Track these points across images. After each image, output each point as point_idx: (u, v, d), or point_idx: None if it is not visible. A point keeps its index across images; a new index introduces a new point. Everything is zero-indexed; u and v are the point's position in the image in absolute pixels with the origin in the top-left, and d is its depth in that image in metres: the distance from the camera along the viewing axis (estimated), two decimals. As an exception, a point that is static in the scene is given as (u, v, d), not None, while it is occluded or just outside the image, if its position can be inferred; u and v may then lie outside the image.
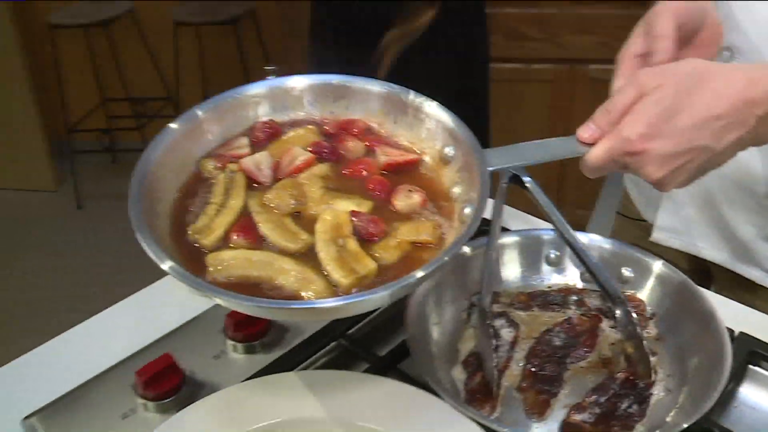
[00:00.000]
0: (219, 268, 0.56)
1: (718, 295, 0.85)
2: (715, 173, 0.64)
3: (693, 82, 0.58)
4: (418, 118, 0.70)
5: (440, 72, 1.73)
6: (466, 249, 0.80)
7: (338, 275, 0.55)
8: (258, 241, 0.59)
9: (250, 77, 2.87)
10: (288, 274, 0.56)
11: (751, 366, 0.77)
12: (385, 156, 0.67)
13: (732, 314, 0.80)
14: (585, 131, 0.62)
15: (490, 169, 0.62)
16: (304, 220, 0.61)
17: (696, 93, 0.58)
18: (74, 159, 3.01)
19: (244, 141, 0.69)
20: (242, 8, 2.82)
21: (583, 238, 0.80)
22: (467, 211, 0.61)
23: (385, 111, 0.71)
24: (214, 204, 0.62)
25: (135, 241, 0.55)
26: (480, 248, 0.80)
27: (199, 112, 0.68)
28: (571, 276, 0.83)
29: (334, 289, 0.55)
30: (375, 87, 0.71)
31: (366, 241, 0.59)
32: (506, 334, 0.76)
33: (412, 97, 0.69)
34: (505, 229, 0.85)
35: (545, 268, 0.84)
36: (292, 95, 0.71)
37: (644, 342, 0.71)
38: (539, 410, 0.69)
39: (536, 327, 0.77)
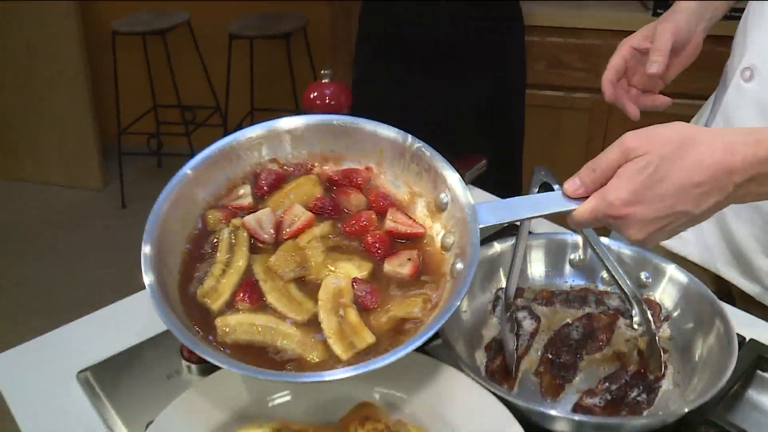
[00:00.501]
0: (227, 330, 0.60)
1: (734, 308, 0.89)
2: None
3: (676, 150, 0.60)
4: (414, 162, 0.71)
5: (476, 94, 1.79)
6: (496, 246, 0.87)
7: (339, 350, 0.58)
8: (261, 304, 0.63)
9: (297, 88, 2.99)
10: (291, 339, 0.60)
11: (759, 372, 0.81)
12: (392, 222, 0.68)
13: (745, 323, 0.85)
14: (570, 186, 0.65)
15: (481, 226, 0.64)
16: (307, 285, 0.64)
17: (678, 161, 0.60)
18: (122, 160, 3.13)
19: (247, 190, 0.71)
20: (295, 23, 2.93)
21: (606, 243, 0.85)
22: (459, 266, 0.63)
23: (384, 152, 0.72)
24: (220, 263, 0.65)
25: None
26: (508, 247, 0.86)
27: (205, 155, 0.70)
28: (592, 278, 0.89)
29: (334, 356, 0.58)
30: (375, 129, 0.72)
31: (364, 310, 0.62)
32: (528, 325, 0.82)
33: (411, 141, 0.71)
34: (531, 233, 0.91)
35: (568, 269, 0.89)
36: (294, 135, 0.73)
37: (657, 339, 0.76)
38: (553, 393, 0.74)
39: (556, 321, 0.83)
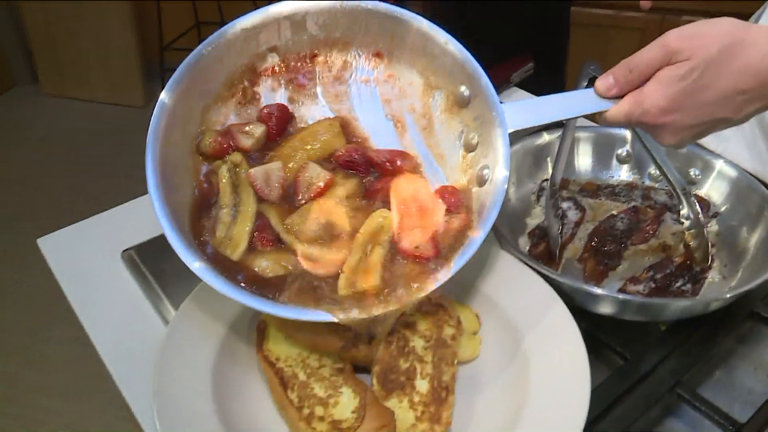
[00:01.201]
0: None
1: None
2: None
3: (722, 53, 0.56)
4: (431, 50, 0.64)
5: (516, 8, 1.74)
6: (545, 136, 0.85)
7: (341, 285, 0.56)
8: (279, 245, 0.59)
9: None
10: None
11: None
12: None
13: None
14: (603, 84, 0.61)
15: (510, 130, 0.60)
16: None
17: (724, 67, 0.56)
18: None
19: (258, 131, 0.64)
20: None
21: (656, 137, 0.83)
22: (486, 173, 0.60)
23: (395, 38, 0.66)
24: (226, 208, 0.60)
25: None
26: (556, 137, 0.84)
27: (203, 51, 0.63)
28: (639, 174, 0.87)
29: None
30: (387, 10, 0.64)
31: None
32: (572, 214, 0.81)
33: (427, 26, 0.64)
34: (579, 127, 0.89)
35: (615, 164, 0.88)
36: (294, 21, 0.65)
37: (705, 231, 0.75)
38: (597, 278, 0.74)
39: (601, 212, 0.82)
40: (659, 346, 0.66)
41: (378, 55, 0.68)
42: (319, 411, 0.55)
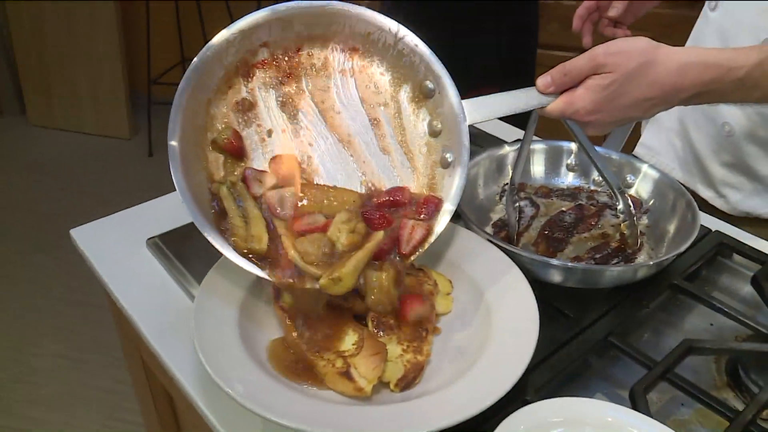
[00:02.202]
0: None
1: (705, 214, 1.05)
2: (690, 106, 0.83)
3: (637, 69, 0.73)
4: (402, 49, 0.78)
5: (489, 50, 1.93)
6: (506, 147, 1.02)
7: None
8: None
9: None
10: None
11: (720, 257, 0.96)
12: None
13: (709, 222, 1.01)
14: (542, 82, 0.78)
15: (469, 123, 0.76)
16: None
17: (637, 80, 0.73)
18: (151, 110, 3.29)
19: (268, 181, 0.77)
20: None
21: (597, 149, 1.00)
22: (449, 157, 0.77)
23: (370, 36, 0.78)
24: (237, 218, 0.74)
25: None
26: (515, 149, 1.02)
27: (207, 53, 0.75)
28: (585, 180, 1.04)
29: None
30: (362, 13, 0.77)
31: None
32: (528, 210, 0.97)
33: (399, 29, 0.77)
34: (534, 140, 1.06)
35: (564, 171, 1.05)
36: (283, 20, 0.77)
37: (635, 219, 0.92)
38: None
39: (552, 209, 0.99)
40: (597, 308, 0.82)
41: (354, 49, 0.80)
42: (326, 345, 0.70)
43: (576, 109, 0.76)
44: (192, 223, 1.00)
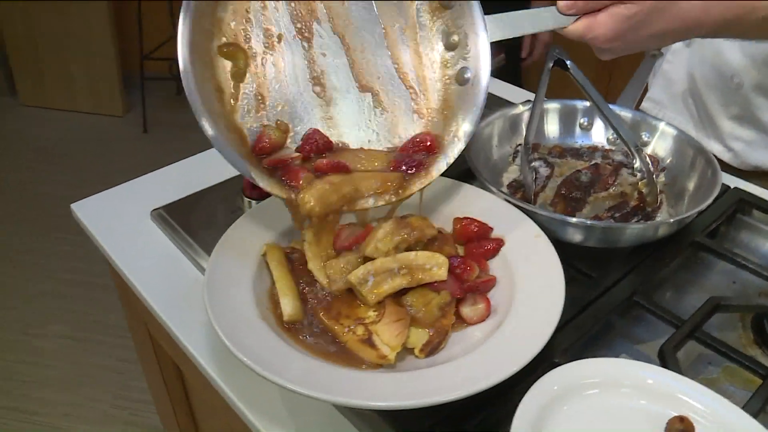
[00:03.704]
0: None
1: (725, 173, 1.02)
2: (698, 59, 0.80)
3: (662, 3, 0.70)
4: None
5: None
6: (520, 107, 0.99)
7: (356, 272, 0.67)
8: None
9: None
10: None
11: (740, 215, 0.94)
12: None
13: (727, 180, 0.98)
14: (564, 3, 0.74)
15: (491, 40, 0.72)
16: None
17: (661, 13, 0.71)
18: (144, 86, 3.24)
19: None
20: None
21: (612, 107, 0.98)
22: (468, 75, 0.72)
23: None
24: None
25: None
26: (528, 108, 0.99)
27: None
28: (599, 139, 1.02)
29: None
30: None
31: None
32: (543, 171, 0.95)
33: None
34: (547, 99, 1.03)
35: (578, 131, 1.02)
36: None
37: (654, 176, 0.89)
38: (566, 218, 0.88)
39: (567, 169, 0.96)
40: (619, 268, 0.80)
41: None
42: (345, 311, 0.68)
43: (596, 35, 0.73)
44: (197, 193, 0.98)
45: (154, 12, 3.26)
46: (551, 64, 0.95)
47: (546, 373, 0.60)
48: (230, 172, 1.00)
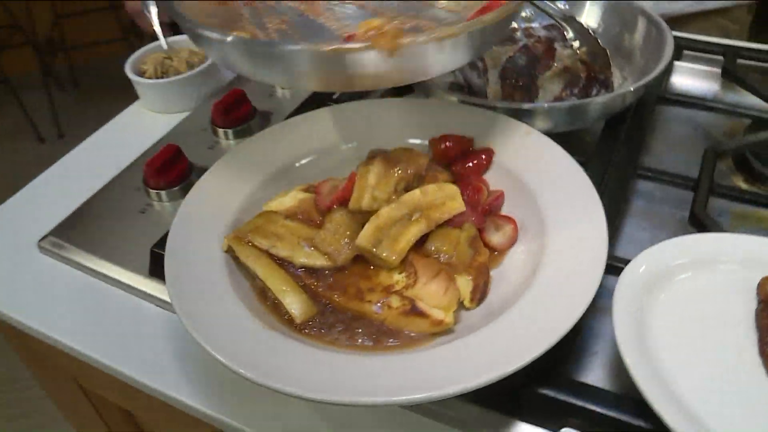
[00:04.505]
0: None
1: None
2: None
3: None
4: None
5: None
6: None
7: (365, 234, 0.54)
8: None
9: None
10: None
11: (676, 62, 0.90)
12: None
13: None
14: None
15: None
16: None
17: None
18: None
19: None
20: None
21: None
22: None
23: None
24: None
25: None
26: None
27: None
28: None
29: None
30: None
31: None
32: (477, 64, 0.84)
33: None
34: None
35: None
36: None
37: (598, 41, 0.82)
38: (524, 110, 0.78)
39: (498, 57, 0.86)
40: (602, 151, 0.72)
41: None
42: (364, 284, 0.54)
43: None
44: (85, 204, 0.78)
45: None
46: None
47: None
48: (113, 168, 0.82)
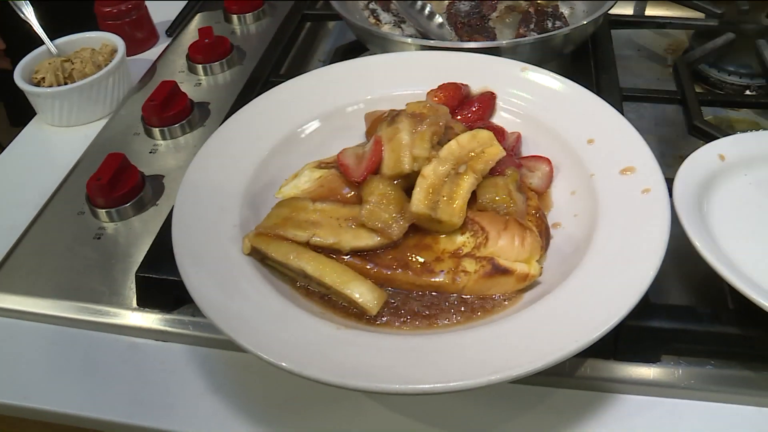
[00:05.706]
0: None
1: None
2: None
3: None
4: None
5: None
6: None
7: (418, 198, 0.48)
8: None
9: None
10: None
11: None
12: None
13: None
14: None
15: None
16: None
17: None
18: None
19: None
20: None
21: None
22: None
23: None
24: None
25: None
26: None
27: None
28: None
29: None
30: None
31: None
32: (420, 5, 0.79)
33: None
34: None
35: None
36: None
37: (538, -27, 0.79)
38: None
39: (440, 4, 0.82)
40: (584, 80, 0.70)
41: None
42: (427, 256, 0.48)
43: None
44: (19, 241, 0.64)
45: None
46: None
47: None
48: (37, 197, 0.69)
